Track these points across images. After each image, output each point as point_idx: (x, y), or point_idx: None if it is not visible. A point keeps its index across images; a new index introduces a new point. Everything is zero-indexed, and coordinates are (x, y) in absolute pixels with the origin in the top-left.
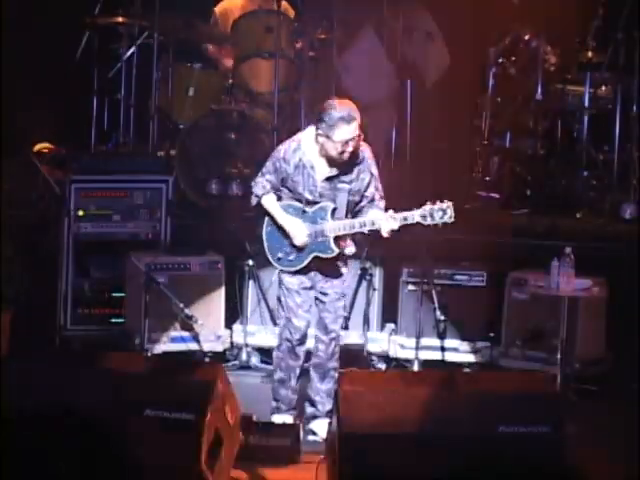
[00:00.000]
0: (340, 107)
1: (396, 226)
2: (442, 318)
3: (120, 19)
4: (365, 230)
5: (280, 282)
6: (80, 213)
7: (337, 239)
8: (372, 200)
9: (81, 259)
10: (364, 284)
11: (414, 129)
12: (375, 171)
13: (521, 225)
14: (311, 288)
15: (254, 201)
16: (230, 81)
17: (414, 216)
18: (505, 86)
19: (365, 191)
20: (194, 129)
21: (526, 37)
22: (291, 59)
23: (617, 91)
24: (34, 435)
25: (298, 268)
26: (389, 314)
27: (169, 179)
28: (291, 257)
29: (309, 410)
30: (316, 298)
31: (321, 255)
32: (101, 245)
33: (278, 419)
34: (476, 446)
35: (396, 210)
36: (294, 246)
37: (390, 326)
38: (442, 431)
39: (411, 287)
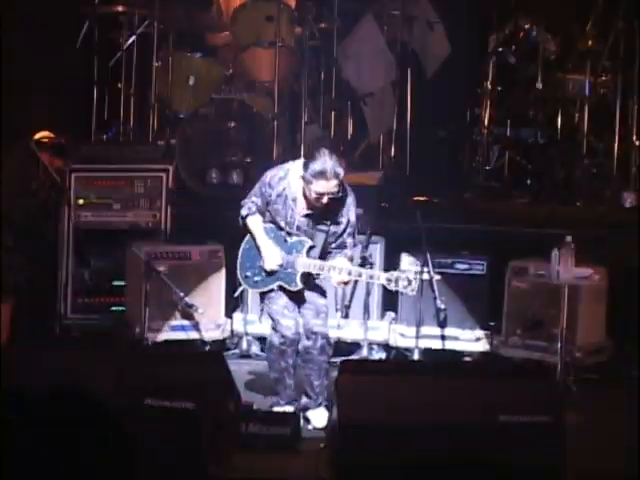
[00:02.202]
0: (326, 162)
1: (346, 279)
2: (442, 307)
3: (120, 8)
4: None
5: (261, 297)
6: (80, 202)
7: (304, 275)
8: (343, 247)
9: (81, 248)
10: None
11: (414, 118)
12: (353, 218)
13: (521, 214)
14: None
15: (240, 221)
16: (230, 70)
17: (380, 276)
18: (505, 75)
19: (340, 236)
20: (194, 118)
21: (526, 26)
22: (291, 48)
23: (617, 79)
24: (33, 424)
25: (260, 291)
26: (389, 303)
27: (169, 168)
28: (257, 278)
29: (303, 401)
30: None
31: (285, 286)
32: (101, 234)
33: (278, 409)
34: (476, 435)
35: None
36: (264, 269)
37: (390, 315)
38: (442, 421)
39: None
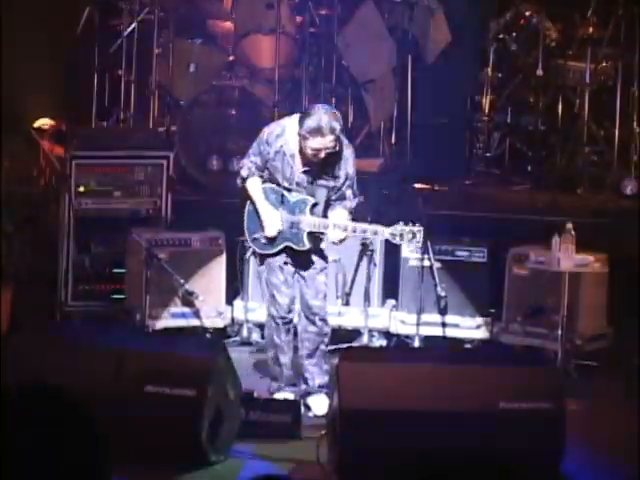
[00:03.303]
0: (321, 118)
1: (343, 236)
2: (443, 294)
3: None
4: None
5: (262, 260)
6: (81, 189)
7: (311, 234)
8: (342, 199)
9: (82, 235)
10: (365, 260)
11: (415, 104)
12: (352, 170)
13: (522, 201)
14: (294, 264)
15: (239, 182)
16: (231, 57)
17: (384, 232)
18: (506, 62)
19: (339, 189)
20: (195, 105)
21: (527, 13)
22: (292, 35)
23: (618, 66)
24: (33, 410)
25: (269, 252)
26: (390, 290)
27: (170, 155)
28: (264, 240)
29: (302, 387)
30: (297, 273)
31: (293, 246)
32: (102, 221)
33: (279, 396)
34: (476, 422)
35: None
36: None
37: (391, 302)
38: (442, 407)
39: (412, 263)
